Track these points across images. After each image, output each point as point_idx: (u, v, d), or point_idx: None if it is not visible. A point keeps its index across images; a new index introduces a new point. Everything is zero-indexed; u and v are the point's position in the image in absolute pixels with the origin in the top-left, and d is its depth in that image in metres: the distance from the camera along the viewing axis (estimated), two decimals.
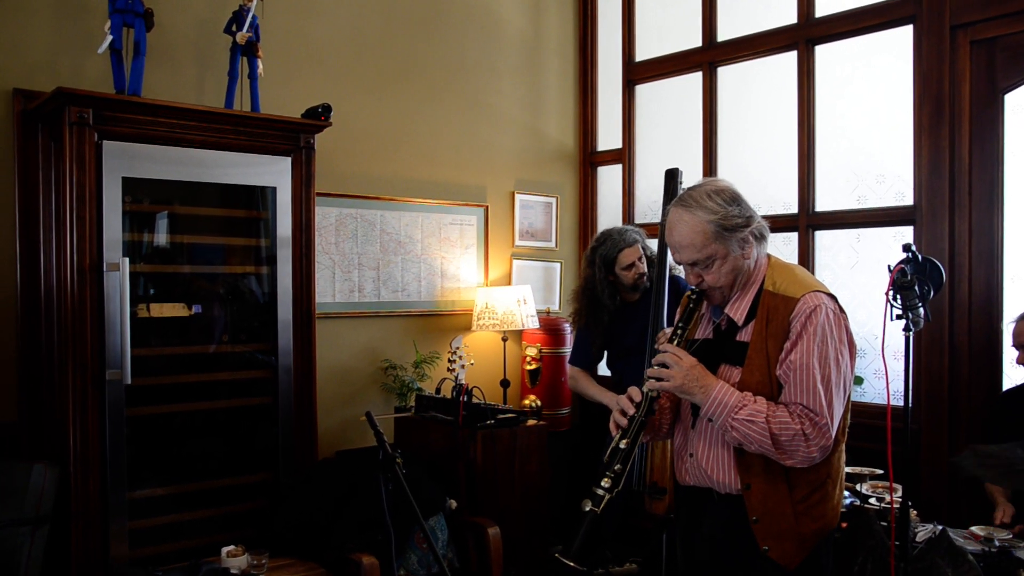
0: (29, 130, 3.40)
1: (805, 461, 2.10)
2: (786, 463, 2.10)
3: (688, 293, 2.35)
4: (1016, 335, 3.28)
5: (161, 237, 3.64)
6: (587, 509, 2.10)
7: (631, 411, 2.19)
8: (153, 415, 3.45)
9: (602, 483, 2.12)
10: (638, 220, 5.17)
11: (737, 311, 2.24)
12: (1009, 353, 3.67)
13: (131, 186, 3.30)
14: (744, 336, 2.21)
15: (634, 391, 2.22)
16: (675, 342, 2.25)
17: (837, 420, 2.13)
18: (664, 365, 2.16)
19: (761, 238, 2.24)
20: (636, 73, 5.20)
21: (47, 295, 3.35)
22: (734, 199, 2.20)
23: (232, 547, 3.15)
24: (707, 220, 2.15)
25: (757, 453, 2.12)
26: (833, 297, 2.20)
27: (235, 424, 3.71)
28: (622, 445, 2.16)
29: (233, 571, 3.07)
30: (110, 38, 3.29)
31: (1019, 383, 3.44)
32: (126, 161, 3.23)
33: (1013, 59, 3.64)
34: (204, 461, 3.60)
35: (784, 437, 2.06)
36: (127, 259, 3.19)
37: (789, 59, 4.41)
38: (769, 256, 2.29)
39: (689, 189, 2.26)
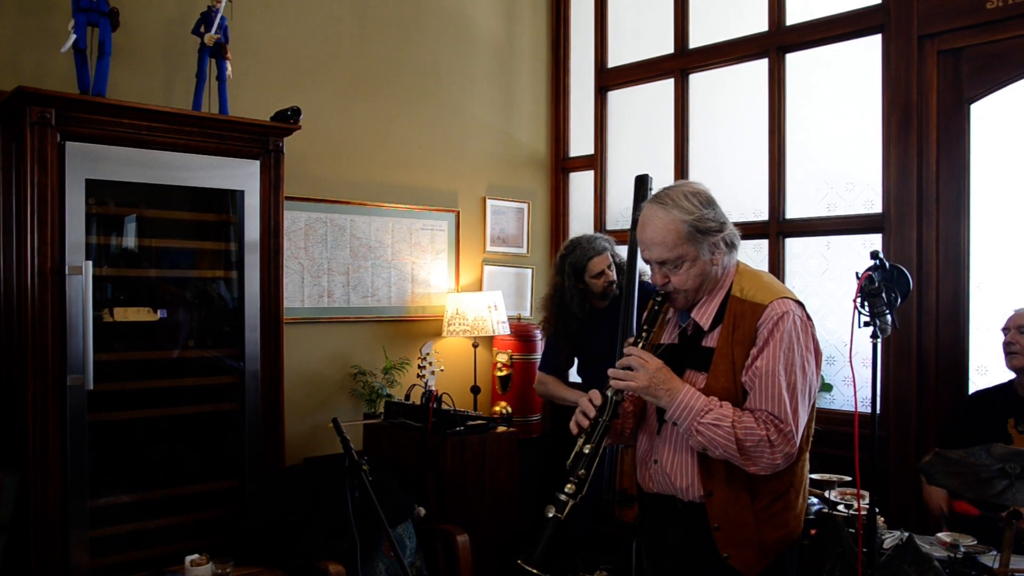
0: None
1: (769, 468, 2.08)
2: (750, 469, 2.09)
3: (653, 296, 2.33)
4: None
5: (127, 240, 3.59)
6: (551, 515, 2.08)
7: (592, 413, 2.16)
8: (116, 421, 3.38)
9: (566, 489, 2.09)
10: (610, 226, 5.18)
11: (703, 316, 2.23)
12: (976, 358, 3.72)
13: (95, 188, 3.24)
14: (710, 342, 2.20)
15: (595, 394, 2.18)
16: (640, 345, 2.23)
17: (802, 428, 2.12)
18: (629, 367, 2.14)
19: (731, 247, 2.23)
20: (608, 79, 5.21)
21: (7, 299, 3.28)
22: (709, 203, 2.20)
23: (196, 556, 3.09)
24: (681, 220, 2.14)
25: (721, 459, 2.11)
26: (801, 304, 2.19)
27: (201, 430, 3.66)
28: (586, 450, 2.12)
29: None
30: (74, 37, 3.24)
31: (990, 385, 3.48)
32: (90, 163, 3.18)
33: (979, 69, 3.69)
34: (169, 468, 3.55)
35: (749, 443, 2.04)
36: (90, 262, 3.13)
37: (760, 67, 4.43)
38: (738, 263, 2.29)
39: (666, 188, 2.24)
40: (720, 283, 2.23)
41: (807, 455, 2.24)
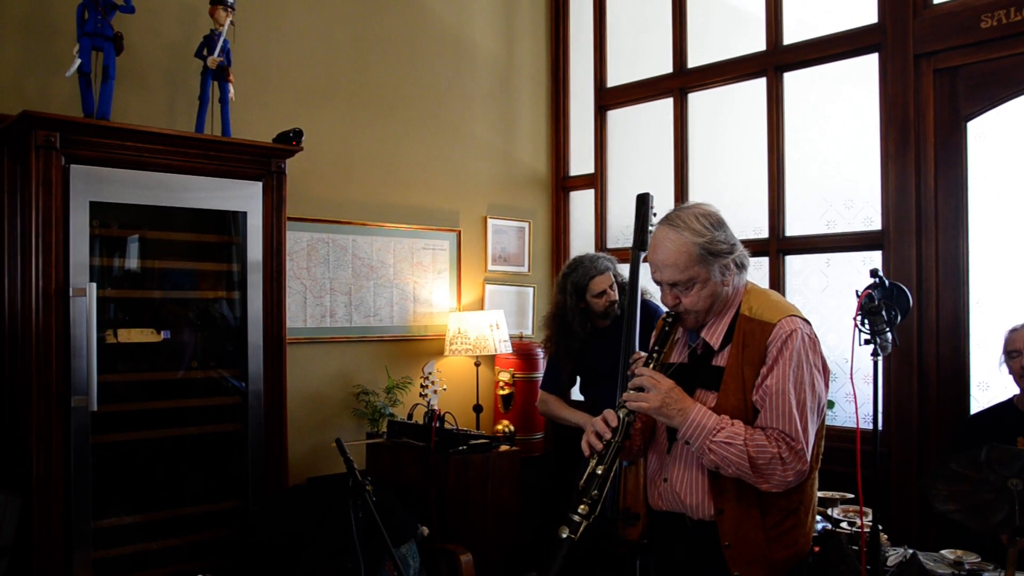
0: None
1: (781, 485, 2.10)
2: (762, 487, 2.10)
3: (664, 316, 2.34)
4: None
5: (130, 262, 3.60)
6: (564, 536, 2.07)
7: (607, 435, 2.15)
8: (120, 442, 3.39)
9: (579, 509, 2.08)
10: (610, 245, 5.20)
11: (713, 336, 2.24)
12: (977, 375, 3.72)
13: (99, 210, 3.26)
14: (720, 361, 2.21)
15: (610, 415, 2.18)
16: (651, 365, 2.24)
17: (812, 445, 2.14)
18: (641, 388, 2.15)
19: (741, 267, 2.24)
20: (607, 99, 5.25)
21: (11, 320, 3.29)
22: (720, 224, 2.22)
23: None
24: (693, 242, 2.16)
25: (733, 477, 2.11)
26: (808, 322, 2.21)
27: (204, 451, 3.66)
28: (598, 471, 2.12)
29: None
30: (79, 61, 3.27)
31: (989, 405, 3.48)
32: (94, 185, 3.20)
33: (975, 88, 3.71)
34: (172, 489, 3.54)
35: (761, 460, 2.06)
36: (94, 284, 3.15)
37: (758, 86, 4.46)
38: (747, 282, 2.30)
39: (676, 210, 2.25)
40: (729, 303, 2.24)
41: (816, 473, 2.25)
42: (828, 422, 4.00)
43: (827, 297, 4.22)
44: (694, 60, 4.78)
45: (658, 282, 2.25)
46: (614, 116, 5.26)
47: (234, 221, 3.65)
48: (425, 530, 3.69)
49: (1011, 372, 3.32)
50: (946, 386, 3.77)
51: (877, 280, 2.59)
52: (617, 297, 3.79)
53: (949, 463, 2.65)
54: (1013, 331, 3.32)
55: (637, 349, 3.49)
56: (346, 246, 4.49)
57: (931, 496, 2.63)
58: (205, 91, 3.70)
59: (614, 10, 5.24)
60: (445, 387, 4.36)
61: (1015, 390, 3.34)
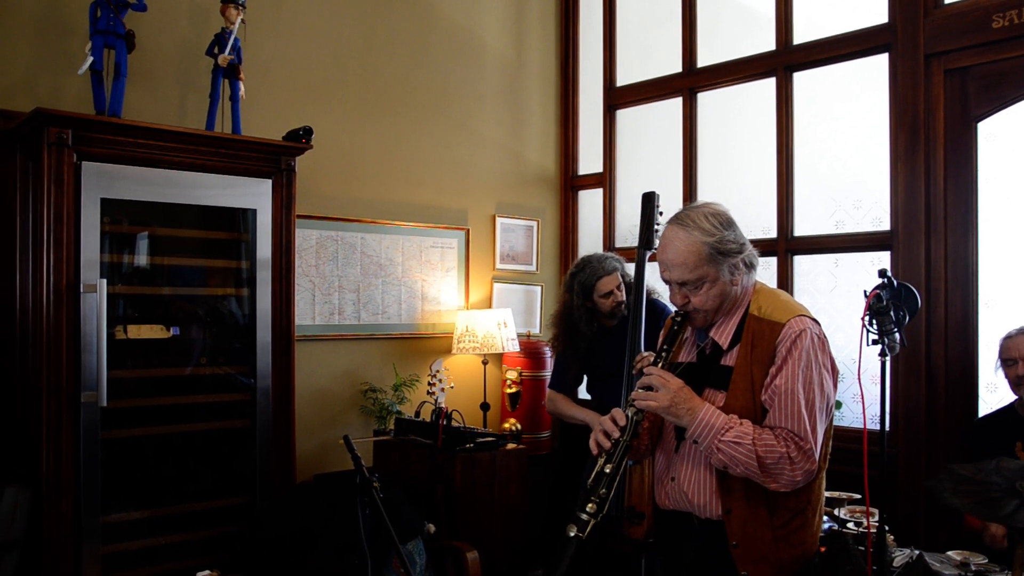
0: (7, 150, 3.37)
1: (789, 485, 2.10)
2: (770, 486, 2.10)
3: (672, 315, 2.34)
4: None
5: (140, 258, 3.62)
6: (572, 534, 2.07)
7: (616, 434, 2.15)
8: (129, 438, 3.41)
9: (587, 508, 2.08)
10: (619, 244, 5.20)
11: (722, 335, 2.24)
12: (985, 376, 3.71)
13: (110, 207, 3.28)
14: (729, 360, 2.22)
15: (618, 413, 2.19)
16: (660, 364, 2.24)
17: (820, 444, 2.14)
18: (650, 387, 2.15)
19: (751, 267, 2.25)
20: (617, 98, 5.25)
21: (22, 316, 3.31)
22: (729, 224, 2.22)
23: (207, 572, 3.10)
24: (703, 241, 2.16)
25: (741, 476, 2.12)
26: (817, 322, 2.21)
27: (212, 447, 3.68)
28: (607, 469, 2.12)
29: None
30: (91, 59, 3.29)
31: (993, 409, 3.47)
32: (105, 182, 3.22)
33: (986, 88, 3.70)
34: (181, 484, 3.57)
35: (770, 460, 2.06)
36: (104, 280, 3.17)
37: (768, 85, 4.46)
38: (756, 281, 2.30)
39: (686, 209, 2.26)
40: (739, 302, 2.25)
41: (824, 473, 2.25)
42: (836, 422, 4.00)
43: (835, 297, 4.22)
44: (703, 60, 4.78)
45: (667, 281, 2.25)
46: (623, 115, 5.26)
47: (243, 218, 3.67)
48: (432, 527, 3.70)
49: (1007, 379, 3.29)
50: (954, 387, 3.76)
51: (885, 280, 2.59)
52: (624, 297, 3.80)
53: (956, 469, 2.65)
54: (1008, 338, 3.29)
55: (643, 348, 3.49)
56: (355, 244, 4.51)
57: (939, 491, 2.63)
58: (216, 89, 3.72)
59: (624, 9, 5.24)
60: (452, 385, 4.37)
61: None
